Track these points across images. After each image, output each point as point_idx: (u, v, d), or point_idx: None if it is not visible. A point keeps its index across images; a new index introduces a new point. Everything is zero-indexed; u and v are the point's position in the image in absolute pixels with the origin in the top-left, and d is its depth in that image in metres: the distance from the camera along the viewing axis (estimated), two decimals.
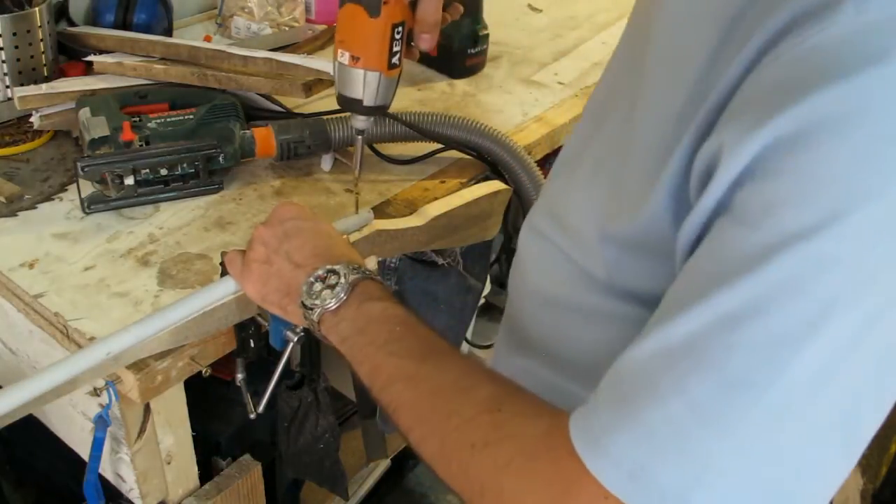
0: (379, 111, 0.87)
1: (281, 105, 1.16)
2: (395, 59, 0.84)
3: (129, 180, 0.94)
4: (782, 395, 0.43)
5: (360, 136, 0.91)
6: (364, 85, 0.84)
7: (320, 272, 0.68)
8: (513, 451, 0.50)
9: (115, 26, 1.24)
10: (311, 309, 0.67)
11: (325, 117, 1.08)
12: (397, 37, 0.82)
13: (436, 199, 1.03)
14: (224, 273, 0.79)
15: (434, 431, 0.55)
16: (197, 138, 0.99)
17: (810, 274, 0.43)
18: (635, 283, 0.59)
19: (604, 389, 0.49)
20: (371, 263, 0.86)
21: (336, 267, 0.67)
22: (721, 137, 0.47)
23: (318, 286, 0.67)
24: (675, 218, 0.52)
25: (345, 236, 0.82)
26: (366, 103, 0.85)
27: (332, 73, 0.86)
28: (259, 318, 0.84)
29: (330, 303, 0.66)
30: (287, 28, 1.37)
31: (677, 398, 0.44)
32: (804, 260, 0.43)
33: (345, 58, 0.83)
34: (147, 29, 1.24)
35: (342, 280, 0.66)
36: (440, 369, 0.58)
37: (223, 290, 0.78)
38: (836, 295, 0.43)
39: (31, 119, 1.05)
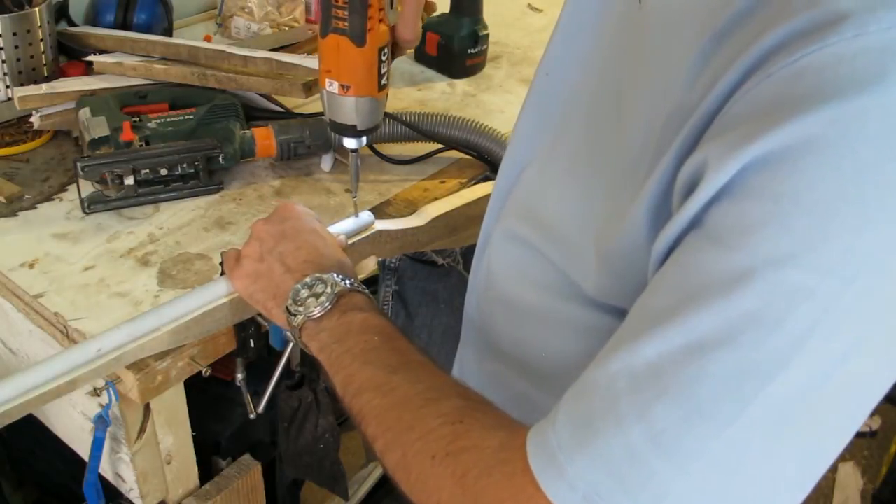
0: (373, 131, 0.88)
1: (281, 105, 1.17)
2: (383, 81, 0.84)
3: (129, 180, 0.94)
4: (744, 429, 0.42)
5: (353, 154, 0.92)
6: (357, 111, 0.84)
7: (308, 280, 0.68)
8: (469, 464, 0.49)
9: (115, 26, 1.24)
10: (295, 315, 0.67)
11: (324, 117, 1.08)
12: (384, 59, 0.82)
13: (436, 199, 1.03)
14: (224, 273, 0.79)
15: (397, 441, 0.55)
16: (197, 138, 0.99)
17: (783, 306, 0.41)
18: (620, 299, 0.57)
19: (564, 406, 0.48)
20: (371, 263, 0.86)
21: (325, 276, 0.67)
22: (706, 152, 0.45)
23: (304, 293, 0.67)
24: (652, 232, 0.51)
25: (340, 237, 0.82)
26: (360, 127, 0.86)
27: (322, 101, 0.87)
28: (259, 318, 0.84)
29: (313, 311, 0.66)
30: (287, 28, 1.37)
31: (638, 425, 0.43)
32: (778, 290, 0.41)
33: (334, 87, 0.83)
34: (147, 29, 1.24)
35: (328, 290, 0.66)
36: (410, 381, 0.58)
37: (219, 290, 0.78)
38: (808, 330, 0.41)
39: (31, 119, 1.05)
